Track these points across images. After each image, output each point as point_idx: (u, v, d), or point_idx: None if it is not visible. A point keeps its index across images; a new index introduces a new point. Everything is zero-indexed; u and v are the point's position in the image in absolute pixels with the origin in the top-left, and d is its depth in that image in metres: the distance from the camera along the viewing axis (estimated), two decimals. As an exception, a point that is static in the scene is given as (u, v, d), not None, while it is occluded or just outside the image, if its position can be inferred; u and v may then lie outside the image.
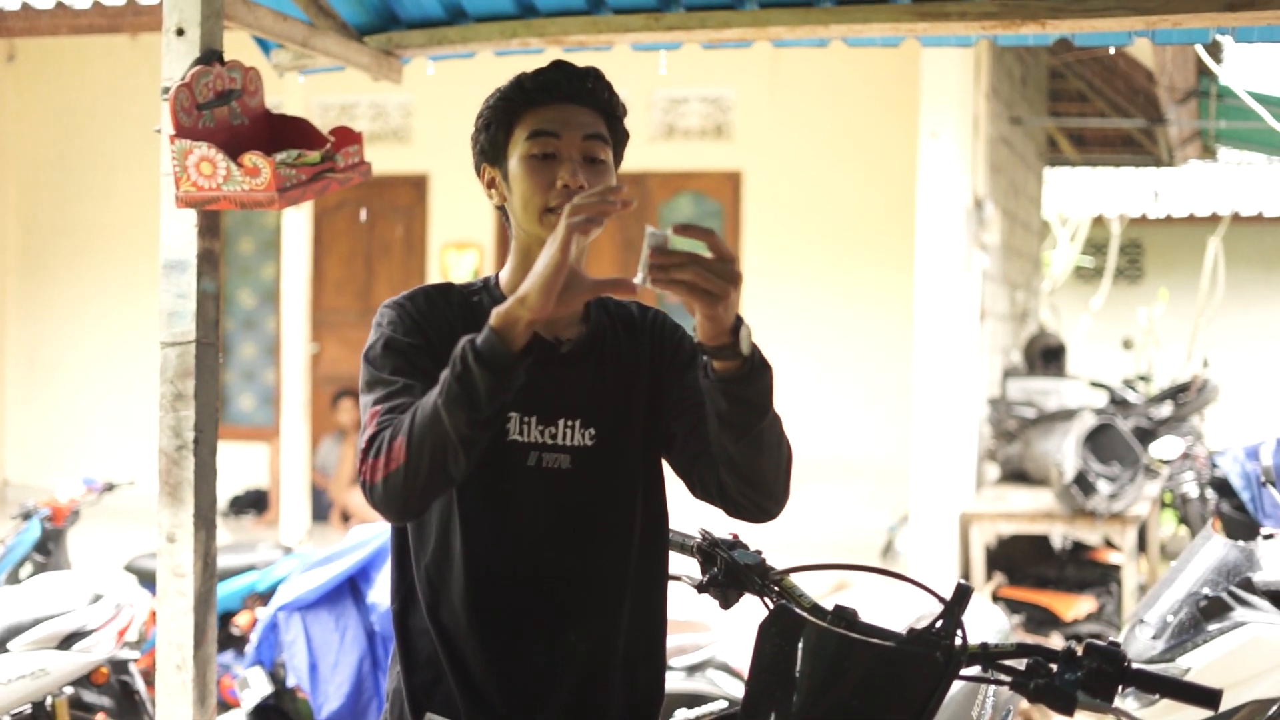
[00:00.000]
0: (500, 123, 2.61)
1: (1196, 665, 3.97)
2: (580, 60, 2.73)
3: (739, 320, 2.34)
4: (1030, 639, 7.42)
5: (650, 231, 2.25)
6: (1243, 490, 7.12)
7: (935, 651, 2.37)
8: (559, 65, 2.62)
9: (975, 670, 2.45)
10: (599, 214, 2.28)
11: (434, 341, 2.55)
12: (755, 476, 2.51)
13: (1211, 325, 15.99)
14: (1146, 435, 10.53)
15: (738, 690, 5.33)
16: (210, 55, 3.50)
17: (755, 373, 2.38)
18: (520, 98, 2.60)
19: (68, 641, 5.14)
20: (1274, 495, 4.84)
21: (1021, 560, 9.57)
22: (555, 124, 2.57)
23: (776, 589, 2.60)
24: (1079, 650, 2.33)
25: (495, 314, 2.30)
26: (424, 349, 2.54)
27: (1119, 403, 11.50)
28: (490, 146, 2.64)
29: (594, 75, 2.64)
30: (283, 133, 3.64)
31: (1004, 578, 9.13)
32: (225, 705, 5.83)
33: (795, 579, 2.66)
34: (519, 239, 2.65)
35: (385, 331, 2.57)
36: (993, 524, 9.07)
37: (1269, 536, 4.32)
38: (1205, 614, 4.05)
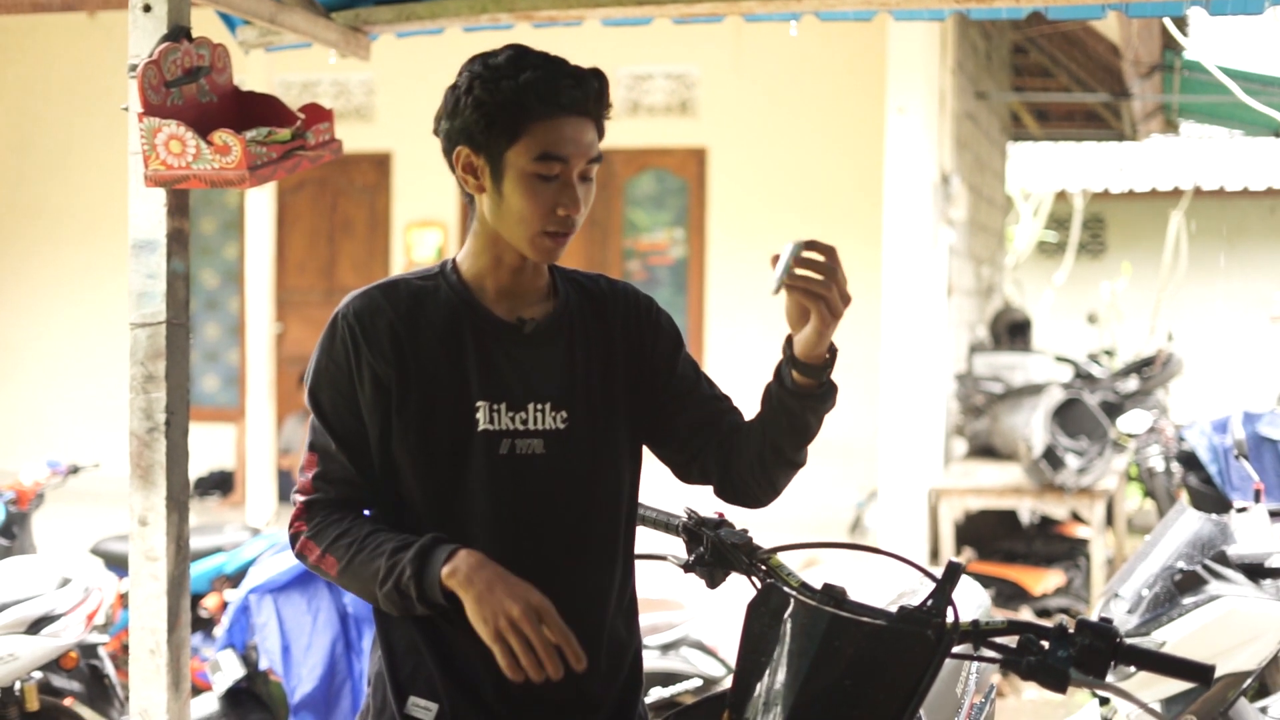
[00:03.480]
0: (505, 125, 2.49)
1: (1172, 639, 3.97)
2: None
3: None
4: (1001, 614, 7.43)
5: (795, 243, 2.40)
6: (1210, 463, 7.16)
7: (927, 630, 2.35)
8: (574, 75, 2.53)
9: (966, 648, 2.44)
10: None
11: (377, 366, 2.55)
12: (786, 475, 2.70)
13: (1174, 299, 16.05)
14: (1113, 409, 10.55)
15: (712, 668, 5.32)
16: (178, 32, 3.45)
17: (833, 389, 2.55)
18: (535, 105, 2.49)
19: (36, 626, 5.09)
20: (1245, 468, 4.85)
21: (990, 535, 9.61)
22: (565, 145, 2.50)
23: (764, 568, 2.58)
24: (1071, 627, 2.32)
25: (450, 578, 2.42)
26: (356, 399, 2.57)
27: (1084, 377, 11.53)
28: (485, 140, 2.52)
29: (600, 78, 2.57)
30: (252, 110, 3.59)
31: (973, 553, 9.15)
32: (196, 689, 5.78)
33: (782, 558, 2.64)
34: (485, 230, 2.60)
35: (322, 364, 2.61)
36: (961, 499, 9.08)
37: (1242, 509, 4.32)
38: (1180, 587, 4.05)
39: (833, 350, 2.49)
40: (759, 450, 2.62)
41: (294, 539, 2.60)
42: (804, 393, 2.51)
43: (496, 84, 2.50)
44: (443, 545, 2.45)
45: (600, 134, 2.60)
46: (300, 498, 2.60)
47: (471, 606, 2.38)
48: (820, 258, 2.39)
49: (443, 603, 2.43)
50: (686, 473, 2.71)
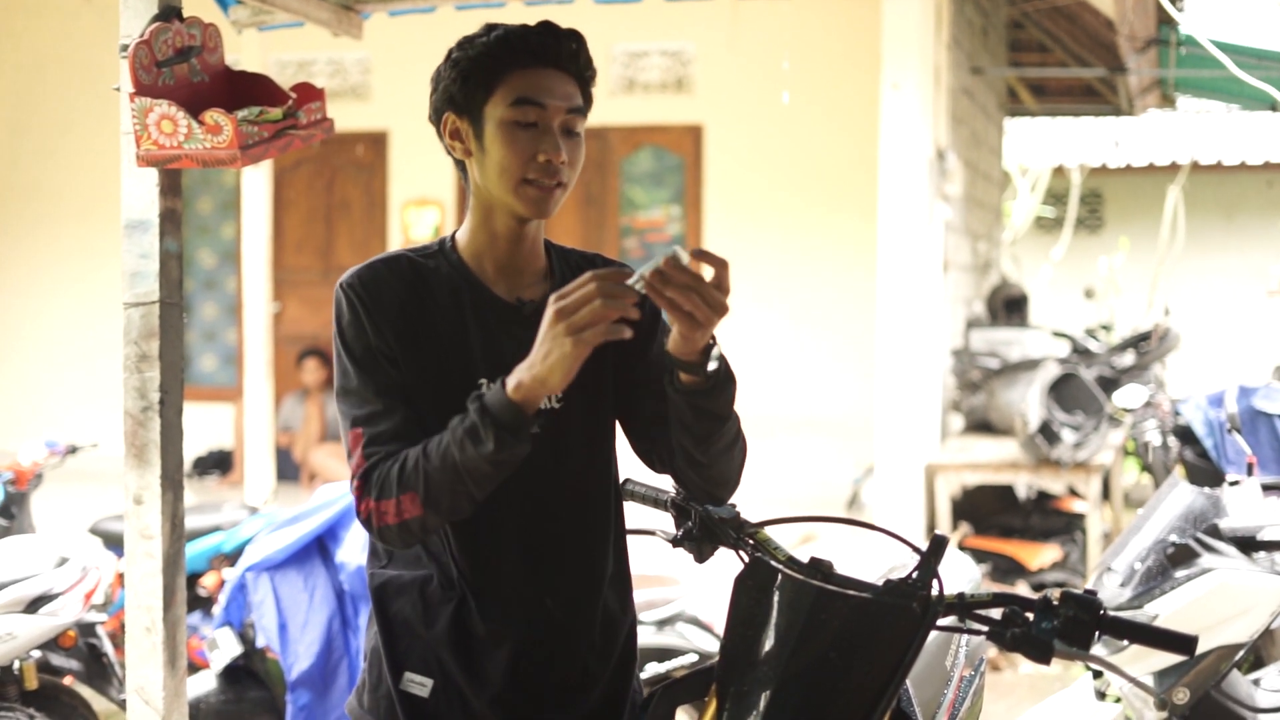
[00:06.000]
0: (480, 79, 2.54)
1: (1164, 612, 3.98)
2: (541, 14, 2.69)
3: (711, 339, 2.39)
4: (996, 588, 7.45)
5: (674, 249, 2.28)
6: (1205, 438, 7.15)
7: (912, 602, 2.37)
8: (547, 27, 2.56)
9: (951, 620, 2.45)
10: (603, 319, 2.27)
11: (387, 334, 2.53)
12: (712, 474, 2.58)
13: (1172, 274, 16.05)
14: (1109, 384, 10.57)
15: (707, 643, 5.34)
16: (169, 11, 3.46)
17: (720, 386, 2.44)
18: (506, 56, 2.53)
19: (34, 605, 5.11)
20: (1239, 441, 4.87)
21: (986, 510, 9.62)
22: (541, 93, 2.51)
23: (751, 542, 2.60)
24: (1055, 599, 2.33)
25: (517, 390, 2.33)
26: (381, 351, 2.52)
27: (1081, 352, 11.54)
28: (464, 98, 2.56)
29: (577, 39, 2.58)
30: (243, 90, 3.60)
31: (969, 528, 9.17)
32: (194, 667, 5.81)
33: (769, 532, 2.65)
34: (480, 198, 2.61)
35: (346, 337, 2.55)
36: (958, 474, 9.10)
37: (1235, 483, 4.34)
38: (1173, 561, 4.07)
39: (708, 347, 2.40)
40: (675, 456, 2.58)
41: (367, 521, 2.48)
42: (690, 390, 2.43)
43: (471, 43, 2.56)
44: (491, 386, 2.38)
45: (585, 95, 2.60)
46: (355, 481, 2.49)
47: (546, 363, 2.30)
48: (689, 270, 2.28)
49: (531, 423, 2.36)
50: (648, 460, 2.69)
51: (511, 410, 2.32)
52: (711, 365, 2.40)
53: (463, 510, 2.44)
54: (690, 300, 2.28)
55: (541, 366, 2.30)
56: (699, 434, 2.48)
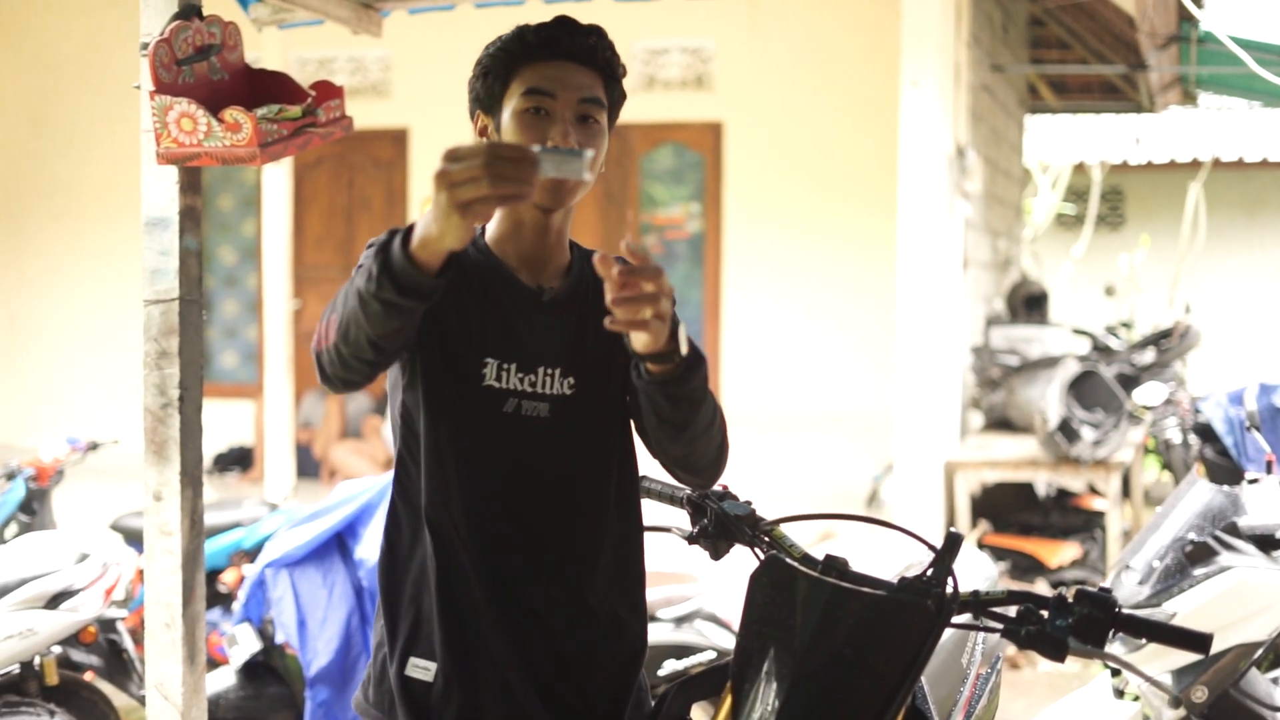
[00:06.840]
0: (498, 73, 2.60)
1: (1183, 610, 3.98)
2: (562, 11, 2.71)
3: (675, 320, 2.36)
4: (1015, 586, 7.45)
5: (587, 154, 2.14)
6: (1226, 435, 7.13)
7: (927, 600, 2.38)
8: (562, 21, 2.61)
9: (966, 618, 2.46)
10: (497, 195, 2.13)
11: None
12: (694, 461, 2.58)
13: (1193, 271, 16.00)
14: (1129, 381, 10.54)
15: (725, 641, 5.34)
16: (189, 10, 3.47)
17: (693, 369, 2.41)
18: (520, 50, 2.58)
19: (55, 601, 5.13)
20: (1258, 439, 4.85)
21: (1006, 508, 9.60)
22: (552, 83, 2.56)
23: (767, 539, 2.61)
24: (1070, 597, 2.34)
25: (414, 242, 2.23)
26: None
27: (1102, 349, 11.51)
28: (486, 95, 2.63)
29: (596, 33, 2.62)
30: (263, 88, 3.61)
31: (989, 525, 9.16)
32: (213, 662, 5.82)
33: (785, 529, 2.66)
34: None
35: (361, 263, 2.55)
36: (977, 472, 9.08)
37: (1254, 481, 4.32)
38: (1191, 559, 4.06)
39: (673, 331, 2.35)
40: (659, 449, 2.59)
41: (313, 353, 2.47)
42: (663, 379, 2.40)
43: (493, 43, 2.62)
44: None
45: (608, 88, 2.65)
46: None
47: (436, 226, 2.19)
48: (648, 287, 2.23)
49: (425, 280, 2.25)
50: (651, 452, 2.68)
51: (402, 258, 2.24)
52: (683, 346, 2.37)
53: (363, 350, 2.36)
54: (656, 310, 2.24)
55: (433, 228, 2.20)
56: (679, 423, 2.47)
